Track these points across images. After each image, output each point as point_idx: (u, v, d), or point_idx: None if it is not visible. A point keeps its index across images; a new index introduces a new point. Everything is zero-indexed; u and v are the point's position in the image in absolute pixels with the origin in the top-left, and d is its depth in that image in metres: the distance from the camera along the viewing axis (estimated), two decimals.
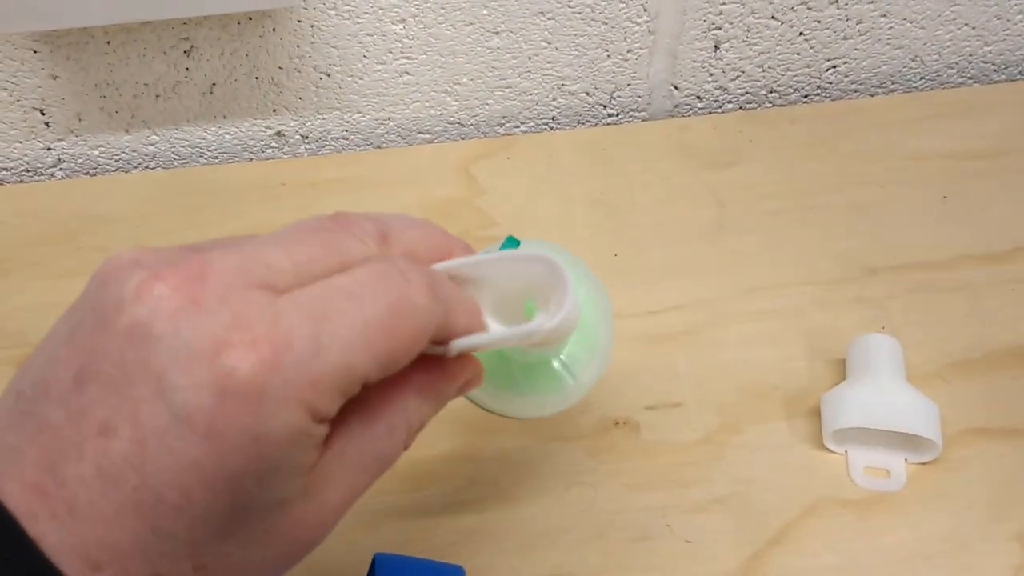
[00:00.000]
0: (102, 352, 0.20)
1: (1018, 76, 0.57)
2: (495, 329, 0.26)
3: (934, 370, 0.42)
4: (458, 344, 0.24)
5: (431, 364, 0.25)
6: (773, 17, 0.53)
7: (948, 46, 0.55)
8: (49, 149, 0.54)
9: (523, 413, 0.33)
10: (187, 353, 0.19)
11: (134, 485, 0.19)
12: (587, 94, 0.55)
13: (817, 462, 0.39)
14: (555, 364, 0.31)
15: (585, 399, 0.41)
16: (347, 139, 0.56)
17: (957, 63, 0.56)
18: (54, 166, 0.55)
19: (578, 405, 0.41)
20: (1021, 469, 0.39)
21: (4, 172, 0.55)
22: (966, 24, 0.54)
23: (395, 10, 0.50)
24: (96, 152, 0.54)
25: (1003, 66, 0.57)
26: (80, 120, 0.53)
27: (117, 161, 0.55)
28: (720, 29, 0.53)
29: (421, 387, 0.24)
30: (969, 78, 0.57)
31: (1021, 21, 0.55)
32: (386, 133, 0.56)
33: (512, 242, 0.33)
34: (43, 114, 0.52)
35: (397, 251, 0.24)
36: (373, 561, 0.32)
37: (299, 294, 0.21)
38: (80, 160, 0.55)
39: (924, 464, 0.39)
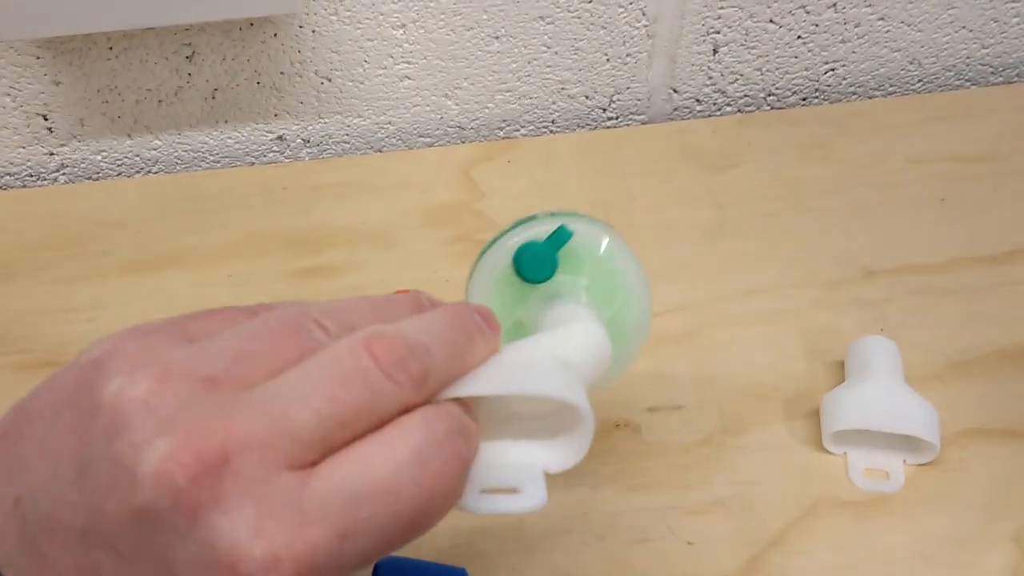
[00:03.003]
0: (112, 519, 0.19)
1: (1015, 79, 0.58)
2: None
3: (932, 371, 0.42)
4: None
5: None
6: (771, 21, 0.53)
7: (945, 49, 0.56)
8: (52, 154, 0.54)
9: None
10: (203, 557, 0.19)
11: None
12: (587, 97, 0.56)
13: (817, 463, 0.40)
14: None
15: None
16: (348, 143, 0.56)
17: (955, 66, 0.57)
18: (57, 171, 0.55)
19: None
20: (1018, 469, 0.39)
21: (7, 177, 0.55)
22: (963, 27, 0.55)
23: (395, 15, 0.50)
24: (99, 157, 0.55)
25: (1000, 68, 0.57)
26: (83, 125, 0.53)
27: (120, 166, 0.55)
28: (719, 33, 0.53)
29: None
30: (967, 80, 0.58)
31: (1018, 24, 0.55)
32: (387, 137, 0.56)
33: (564, 233, 0.30)
34: (46, 119, 0.53)
35: (434, 389, 0.22)
36: (376, 563, 0.32)
37: (330, 477, 0.20)
38: (83, 165, 0.55)
39: (923, 465, 0.39)
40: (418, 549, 0.38)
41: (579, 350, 0.27)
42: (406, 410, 0.22)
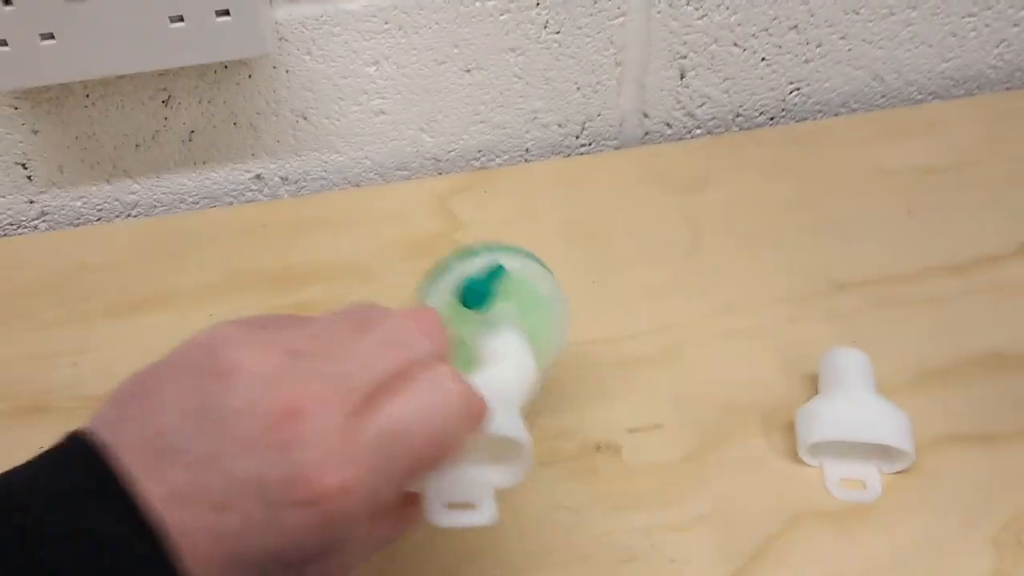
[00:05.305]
0: (228, 451, 0.25)
1: (976, 90, 0.59)
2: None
3: (906, 381, 0.43)
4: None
5: None
6: (735, 44, 0.54)
7: (907, 64, 0.57)
8: (32, 202, 0.55)
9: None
10: (291, 480, 0.25)
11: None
12: (559, 125, 0.57)
13: (795, 476, 0.40)
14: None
15: (567, 425, 0.42)
16: (326, 179, 0.57)
17: (916, 80, 0.58)
18: (37, 218, 0.56)
19: (561, 430, 0.42)
20: (994, 474, 0.40)
21: None
22: (923, 43, 0.56)
23: (368, 52, 0.51)
24: (79, 203, 0.55)
25: (961, 81, 0.59)
26: (62, 172, 0.54)
27: (99, 211, 0.56)
28: (685, 58, 0.54)
29: None
30: (929, 94, 0.59)
31: (975, 38, 0.56)
32: (364, 171, 0.57)
33: (499, 270, 0.37)
34: (25, 168, 0.53)
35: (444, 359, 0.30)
36: None
37: (375, 421, 0.27)
38: (63, 211, 0.56)
39: (900, 473, 0.40)
40: (401, 572, 0.38)
41: (517, 383, 0.34)
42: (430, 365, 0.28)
